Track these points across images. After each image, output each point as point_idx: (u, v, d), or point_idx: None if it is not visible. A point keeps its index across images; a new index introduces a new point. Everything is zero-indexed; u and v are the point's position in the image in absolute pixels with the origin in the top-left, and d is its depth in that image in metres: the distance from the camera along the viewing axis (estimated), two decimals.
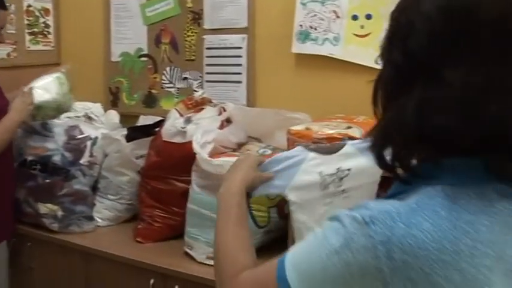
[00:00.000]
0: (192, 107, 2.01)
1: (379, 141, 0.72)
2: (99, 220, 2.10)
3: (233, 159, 1.75)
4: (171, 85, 2.42)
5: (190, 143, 1.86)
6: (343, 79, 2.11)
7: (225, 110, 2.01)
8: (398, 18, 0.73)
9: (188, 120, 1.93)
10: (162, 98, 2.45)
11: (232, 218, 1.00)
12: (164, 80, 2.43)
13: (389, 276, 0.62)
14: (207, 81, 2.33)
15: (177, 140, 1.89)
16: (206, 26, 2.29)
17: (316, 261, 0.68)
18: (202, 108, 2.00)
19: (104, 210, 2.11)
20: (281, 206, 1.83)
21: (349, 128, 1.71)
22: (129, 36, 2.50)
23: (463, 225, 0.63)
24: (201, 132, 1.88)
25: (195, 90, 2.34)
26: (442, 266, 0.61)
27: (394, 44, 0.72)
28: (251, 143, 2.09)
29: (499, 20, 0.64)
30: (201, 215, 1.79)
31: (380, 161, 0.72)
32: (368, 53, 2.05)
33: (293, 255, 0.73)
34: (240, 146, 2.07)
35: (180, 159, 1.87)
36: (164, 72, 2.43)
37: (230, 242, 0.95)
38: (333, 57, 2.07)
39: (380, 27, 2.03)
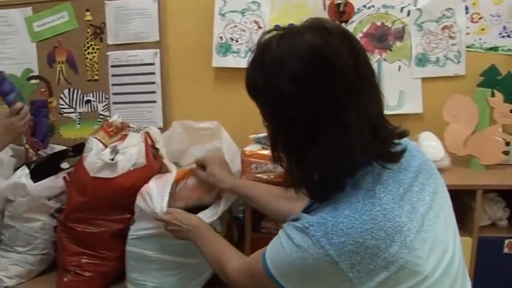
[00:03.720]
0: (114, 134, 1.83)
1: (305, 181, 0.97)
2: (5, 280, 1.81)
3: None
4: (71, 110, 2.20)
5: (122, 176, 1.72)
6: None
7: (149, 135, 1.88)
8: (291, 88, 0.90)
9: (115, 150, 1.75)
10: (61, 125, 2.21)
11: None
12: (62, 104, 2.20)
13: (337, 256, 0.88)
14: (115, 102, 2.15)
15: (106, 174, 1.71)
16: (110, 41, 2.12)
17: (284, 259, 0.95)
18: (125, 135, 1.84)
19: (11, 267, 1.82)
20: (231, 236, 1.78)
21: None
22: (14, 56, 2.22)
23: (369, 199, 0.91)
24: None
25: (102, 115, 2.16)
26: (368, 232, 0.88)
27: (284, 107, 0.92)
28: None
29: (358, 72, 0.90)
30: (145, 258, 1.65)
31: (312, 193, 1.00)
32: None
33: (268, 255, 1.01)
34: None
35: (111, 196, 1.70)
36: (62, 95, 2.20)
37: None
38: None
39: None
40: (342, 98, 0.89)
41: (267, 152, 1.67)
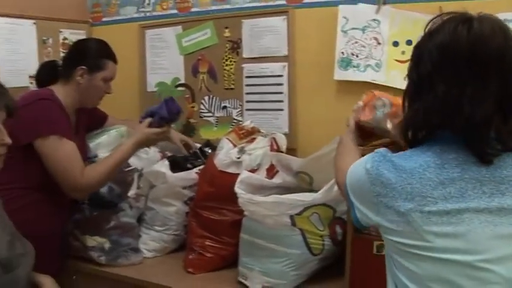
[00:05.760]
0: (244, 136, 2.18)
1: (404, 128, 1.24)
2: (145, 252, 2.25)
3: None
4: (210, 114, 2.62)
5: None
6: None
7: (275, 140, 2.19)
8: (415, 51, 1.24)
9: (242, 151, 2.10)
10: (201, 127, 2.64)
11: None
12: (203, 109, 2.63)
13: (373, 179, 1.19)
14: (247, 109, 2.52)
15: (232, 170, 2.06)
16: (245, 54, 2.49)
17: (354, 166, 1.31)
18: (254, 138, 2.18)
19: (150, 242, 2.26)
20: (334, 234, 2.00)
21: None
22: (166, 67, 2.72)
23: (422, 159, 1.16)
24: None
25: (235, 119, 2.53)
26: (399, 179, 1.15)
27: (414, 67, 1.22)
28: None
29: (472, 57, 1.11)
30: (255, 245, 1.94)
31: (406, 138, 1.25)
32: None
33: (349, 169, 1.33)
34: None
35: (233, 190, 2.00)
36: (202, 101, 2.63)
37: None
38: (375, 83, 2.26)
39: None
40: (444, 74, 1.13)
41: None
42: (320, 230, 1.92)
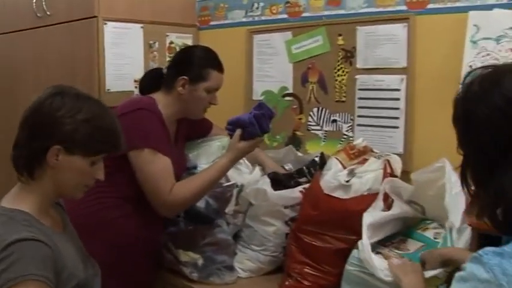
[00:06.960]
0: (355, 157, 2.02)
1: (488, 209, 1.04)
2: (240, 271, 2.17)
3: None
4: (318, 127, 2.48)
5: (354, 199, 1.91)
6: None
7: (389, 163, 2.01)
8: (470, 114, 1.06)
9: (351, 173, 1.95)
10: (307, 140, 2.52)
11: None
12: (310, 121, 2.51)
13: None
14: (359, 125, 2.35)
15: (339, 194, 1.92)
16: (359, 65, 2.33)
17: None
18: (365, 159, 2.01)
19: (246, 261, 2.17)
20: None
21: None
22: (273, 74, 2.62)
23: None
24: None
25: (345, 135, 2.38)
26: None
27: (480, 134, 1.04)
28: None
29: None
30: (361, 280, 1.78)
31: (493, 222, 1.04)
32: None
33: None
34: None
35: (340, 216, 1.89)
36: (311, 113, 2.50)
37: None
38: None
39: None
40: None
41: None
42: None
